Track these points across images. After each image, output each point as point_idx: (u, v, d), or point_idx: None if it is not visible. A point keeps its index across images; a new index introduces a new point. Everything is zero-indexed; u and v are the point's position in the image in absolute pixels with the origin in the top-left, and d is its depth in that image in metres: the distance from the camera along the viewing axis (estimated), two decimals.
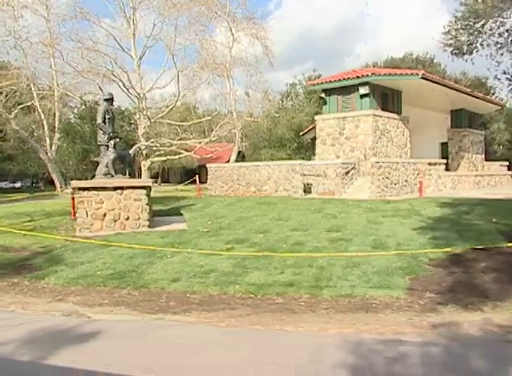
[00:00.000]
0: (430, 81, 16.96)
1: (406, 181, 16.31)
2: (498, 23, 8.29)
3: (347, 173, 15.96)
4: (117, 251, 8.09)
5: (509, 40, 8.56)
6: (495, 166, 22.86)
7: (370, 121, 17.02)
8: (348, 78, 17.45)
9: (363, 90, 17.14)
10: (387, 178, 15.54)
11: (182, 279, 6.29)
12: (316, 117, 18.94)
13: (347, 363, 3.34)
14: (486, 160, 24.84)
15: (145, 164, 23.50)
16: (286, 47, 74.63)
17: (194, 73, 24.94)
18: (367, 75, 16.94)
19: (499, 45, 8.58)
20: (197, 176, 19.18)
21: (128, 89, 22.50)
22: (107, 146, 11.70)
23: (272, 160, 21.52)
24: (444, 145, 23.44)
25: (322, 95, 18.36)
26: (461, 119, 22.87)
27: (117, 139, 11.88)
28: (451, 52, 8.54)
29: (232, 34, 27.13)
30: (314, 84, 18.74)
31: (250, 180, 17.52)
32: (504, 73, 9.43)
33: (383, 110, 17.85)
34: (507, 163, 23.88)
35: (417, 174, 16.21)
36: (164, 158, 24.94)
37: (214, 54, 24.83)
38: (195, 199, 17.31)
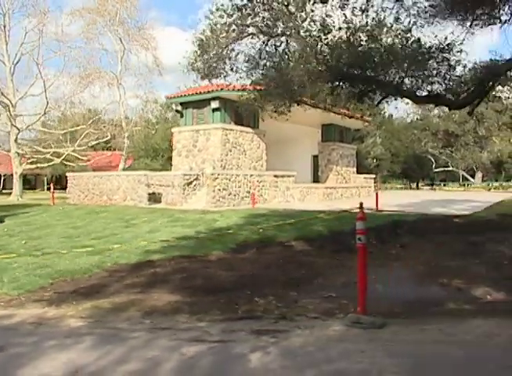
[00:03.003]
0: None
1: (248, 192, 17.08)
2: (235, 52, 9.09)
3: (189, 184, 16.53)
4: None
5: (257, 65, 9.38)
6: (359, 179, 24.29)
7: (219, 134, 17.71)
8: (201, 93, 18.10)
9: (214, 104, 17.85)
10: (224, 189, 16.23)
11: None
12: (173, 130, 19.48)
13: None
14: (359, 172, 26.32)
15: (17, 172, 23.19)
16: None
17: (80, 80, 24.91)
18: (217, 90, 17.64)
19: (247, 69, 9.39)
20: (52, 184, 19.16)
21: None
22: None
23: (145, 170, 21.81)
24: (315, 157, 24.68)
25: (179, 108, 18.93)
26: (331, 133, 24.19)
27: None
28: (200, 76, 9.24)
29: (123, 43, 27.42)
30: (171, 98, 19.28)
31: (103, 189, 17.75)
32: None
33: (237, 124, 18.61)
34: (374, 176, 25.46)
35: (250, 186, 17.01)
36: (33, 166, 24.67)
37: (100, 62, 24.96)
38: (45, 207, 17.35)
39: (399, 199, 20.29)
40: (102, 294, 5.55)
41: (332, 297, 5.35)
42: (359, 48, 8.55)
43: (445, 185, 38.75)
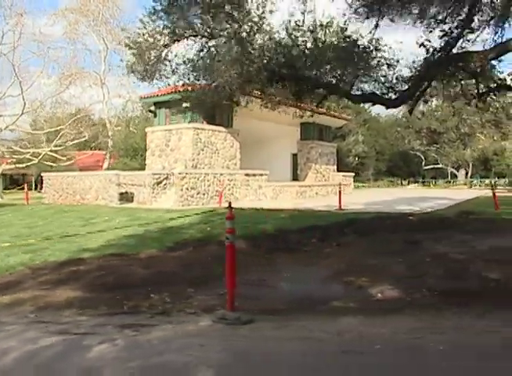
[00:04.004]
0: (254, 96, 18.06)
1: (217, 191, 17.28)
2: (174, 53, 9.30)
3: (159, 183, 16.75)
4: None
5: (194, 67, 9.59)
6: (338, 176, 24.43)
7: (191, 134, 17.91)
8: (173, 92, 18.25)
9: (186, 104, 18.00)
10: (192, 188, 16.44)
11: None
12: (147, 129, 19.71)
13: None
14: (340, 170, 26.47)
15: None
16: None
17: (62, 80, 25.21)
18: (188, 90, 17.78)
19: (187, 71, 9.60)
20: (26, 184, 19.49)
21: None
22: None
23: (123, 169, 22.08)
24: (295, 156, 24.87)
25: (152, 108, 19.15)
26: (310, 132, 24.32)
27: None
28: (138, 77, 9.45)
29: (106, 43, 27.67)
30: (145, 98, 19.48)
31: (76, 189, 18.00)
32: None
33: (209, 123, 18.79)
34: (353, 174, 25.62)
35: (218, 185, 17.20)
36: (12, 166, 25.01)
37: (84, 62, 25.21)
38: (18, 207, 17.65)
39: (372, 197, 20.47)
40: (11, 290, 5.77)
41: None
42: (295, 49, 8.74)
43: (435, 182, 38.79)
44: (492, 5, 8.92)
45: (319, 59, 8.66)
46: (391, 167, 35.27)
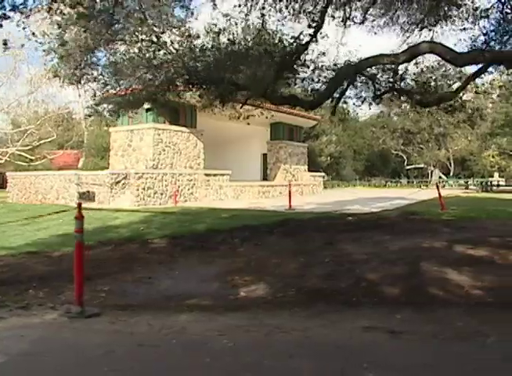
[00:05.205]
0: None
1: (177, 191, 17.54)
2: (98, 58, 9.57)
3: (117, 183, 17.00)
4: None
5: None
6: (306, 176, 24.67)
7: (151, 134, 18.16)
8: (135, 93, 18.47)
9: (147, 104, 18.23)
10: (149, 188, 16.69)
11: None
12: (111, 129, 19.95)
13: None
14: (312, 170, 26.70)
15: None
16: None
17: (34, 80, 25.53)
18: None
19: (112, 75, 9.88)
20: None
21: None
22: None
23: (93, 170, 22.34)
24: (265, 156, 25.12)
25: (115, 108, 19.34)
26: (279, 132, 24.56)
27: None
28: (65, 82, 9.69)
29: None
30: (108, 97, 19.66)
31: (39, 188, 18.26)
32: None
33: (172, 123, 19.04)
34: (322, 173, 25.85)
35: (176, 185, 17.45)
36: None
37: None
38: None
39: (334, 197, 20.71)
40: None
41: (102, 290, 5.76)
42: (212, 53, 8.99)
43: (413, 182, 39.03)
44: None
45: (235, 63, 8.89)
46: (368, 167, 35.48)
